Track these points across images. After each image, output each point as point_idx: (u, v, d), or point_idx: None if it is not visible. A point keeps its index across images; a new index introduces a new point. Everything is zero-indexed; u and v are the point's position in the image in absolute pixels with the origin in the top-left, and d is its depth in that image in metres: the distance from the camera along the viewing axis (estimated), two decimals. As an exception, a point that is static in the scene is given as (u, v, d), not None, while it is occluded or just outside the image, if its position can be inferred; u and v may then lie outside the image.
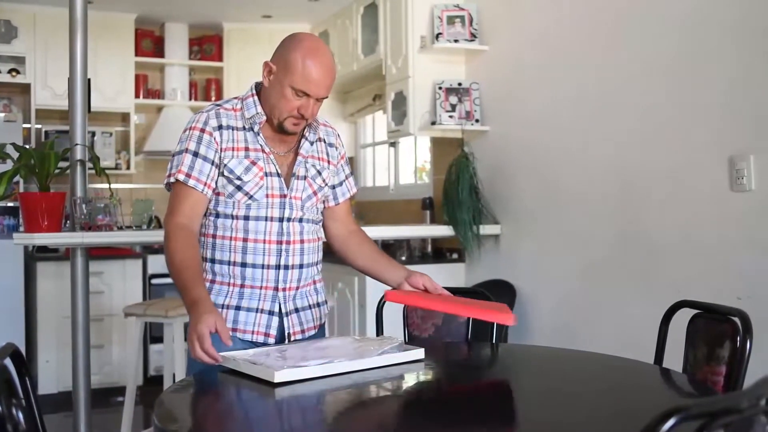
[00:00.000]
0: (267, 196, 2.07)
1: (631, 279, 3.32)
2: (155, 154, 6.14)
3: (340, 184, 2.28)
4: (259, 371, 1.70)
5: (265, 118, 2.07)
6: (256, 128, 2.07)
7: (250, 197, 2.06)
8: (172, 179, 2.06)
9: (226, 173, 2.05)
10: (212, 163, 2.05)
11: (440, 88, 4.45)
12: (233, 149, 2.06)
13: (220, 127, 2.06)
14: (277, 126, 2.06)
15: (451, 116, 4.41)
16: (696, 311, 2.00)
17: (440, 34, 4.40)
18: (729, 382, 1.79)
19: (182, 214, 2.03)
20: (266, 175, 2.07)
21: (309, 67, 1.97)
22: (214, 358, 1.77)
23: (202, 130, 2.05)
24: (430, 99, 4.51)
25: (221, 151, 2.05)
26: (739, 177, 2.80)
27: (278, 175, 2.09)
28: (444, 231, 4.38)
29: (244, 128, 2.08)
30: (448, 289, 2.19)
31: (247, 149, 2.07)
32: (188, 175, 2.03)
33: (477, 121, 4.42)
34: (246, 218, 2.07)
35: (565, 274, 3.76)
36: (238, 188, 2.06)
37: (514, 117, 4.19)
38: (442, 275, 4.52)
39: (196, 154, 2.04)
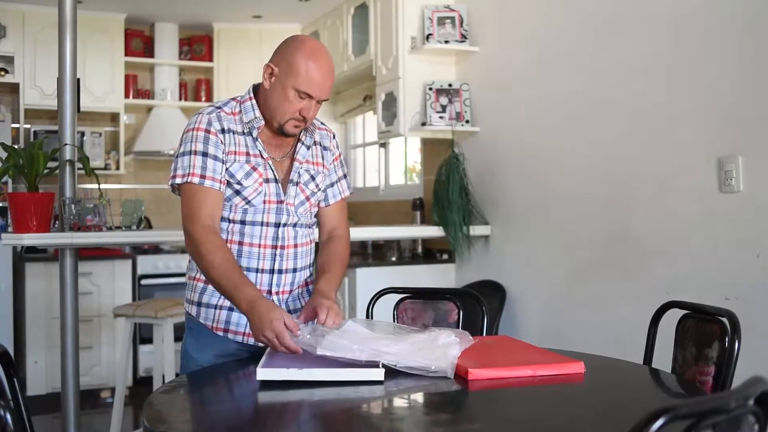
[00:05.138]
0: (264, 201, 2.07)
1: (620, 279, 3.33)
2: (145, 154, 6.12)
3: (332, 185, 2.27)
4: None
5: (263, 122, 2.07)
6: (254, 133, 2.07)
7: (248, 202, 2.06)
8: (179, 180, 2.02)
9: (227, 177, 2.04)
10: (222, 161, 2.03)
11: (430, 88, 4.46)
12: (235, 153, 2.05)
13: (223, 131, 2.05)
14: (277, 128, 2.06)
15: (441, 117, 4.41)
16: (685, 311, 2.01)
17: (431, 35, 4.41)
18: (717, 382, 1.79)
19: (205, 215, 2.00)
20: (265, 181, 2.07)
21: (312, 69, 1.97)
22: (295, 351, 1.75)
23: (207, 131, 2.04)
24: (421, 100, 4.52)
25: (225, 154, 2.04)
26: (728, 178, 2.81)
27: (276, 181, 2.09)
28: (434, 232, 4.38)
29: (243, 133, 2.08)
30: (436, 289, 2.16)
31: (247, 154, 2.06)
32: (203, 177, 2.01)
33: (467, 122, 4.42)
34: (242, 222, 2.07)
35: (554, 275, 3.78)
36: (237, 192, 2.05)
37: (504, 118, 4.20)
38: (432, 276, 4.54)
39: (205, 155, 2.02)
